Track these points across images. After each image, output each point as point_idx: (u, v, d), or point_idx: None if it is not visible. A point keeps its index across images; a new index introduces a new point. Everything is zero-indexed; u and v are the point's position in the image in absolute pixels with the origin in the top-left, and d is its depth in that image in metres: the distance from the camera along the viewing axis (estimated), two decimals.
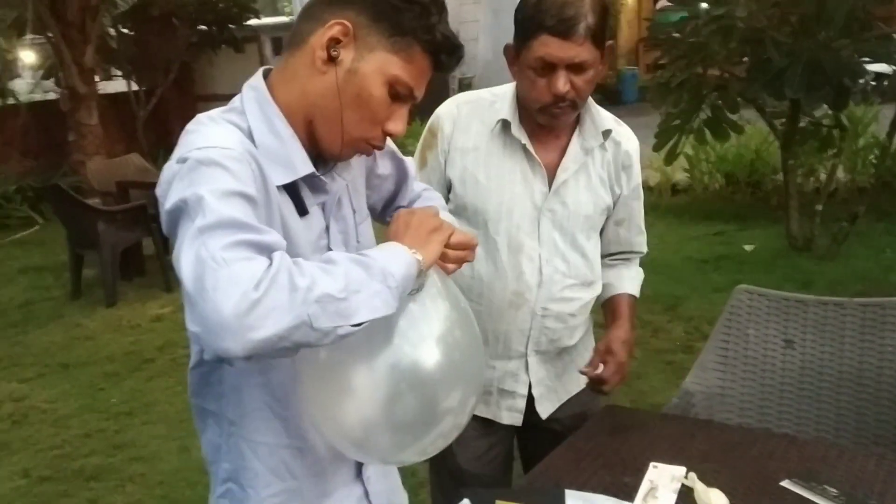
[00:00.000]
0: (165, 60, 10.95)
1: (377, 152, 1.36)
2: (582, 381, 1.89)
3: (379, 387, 1.14)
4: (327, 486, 1.32)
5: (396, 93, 1.17)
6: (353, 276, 1.03)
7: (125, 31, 11.47)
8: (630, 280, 1.99)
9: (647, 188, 8.02)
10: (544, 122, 1.73)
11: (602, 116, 1.80)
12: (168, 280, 5.85)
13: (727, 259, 5.94)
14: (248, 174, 1.09)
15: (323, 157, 1.23)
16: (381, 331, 1.13)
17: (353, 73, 1.14)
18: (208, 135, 1.11)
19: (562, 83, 1.61)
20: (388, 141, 1.38)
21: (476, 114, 1.80)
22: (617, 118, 1.86)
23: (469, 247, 1.27)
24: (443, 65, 1.19)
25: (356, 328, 1.02)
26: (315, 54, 1.15)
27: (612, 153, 1.81)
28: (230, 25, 11.47)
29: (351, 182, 1.31)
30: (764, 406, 2.17)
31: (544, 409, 1.91)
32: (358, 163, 1.34)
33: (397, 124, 1.19)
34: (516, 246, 1.77)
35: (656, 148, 6.01)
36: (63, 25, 8.76)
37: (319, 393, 1.19)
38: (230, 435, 1.26)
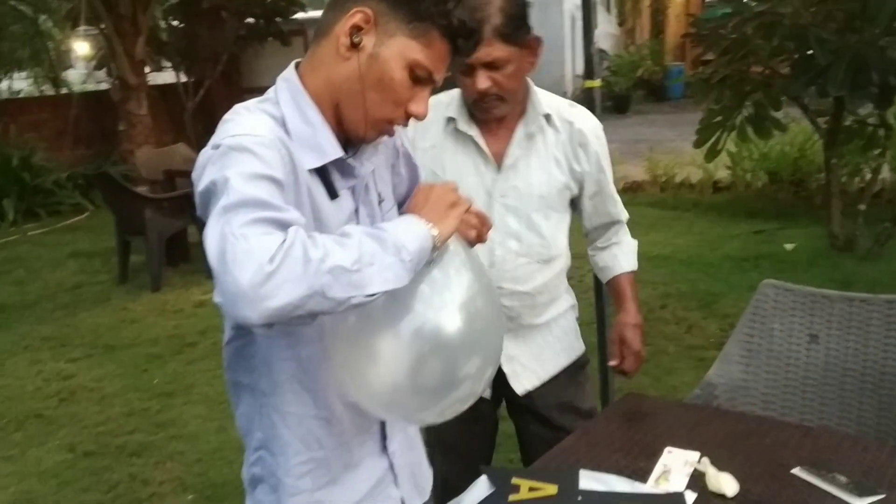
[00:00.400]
0: (214, 53, 11.15)
1: (399, 152, 1.43)
2: (561, 362, 2.02)
3: (403, 351, 1.20)
4: (353, 457, 1.38)
5: (417, 76, 1.23)
6: (366, 249, 1.09)
7: (175, 23, 11.70)
8: (624, 256, 2.08)
9: (689, 185, 8.03)
10: (481, 116, 1.87)
11: (542, 103, 1.91)
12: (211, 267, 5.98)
13: (767, 258, 5.89)
14: (277, 159, 1.16)
15: (350, 140, 1.30)
16: (406, 298, 1.18)
17: (374, 57, 1.21)
18: (242, 123, 1.19)
19: (480, 81, 1.75)
20: (407, 145, 1.45)
21: (434, 115, 1.93)
22: (572, 102, 1.99)
23: (485, 224, 1.32)
24: (460, 49, 1.25)
25: (370, 298, 1.08)
26: (339, 42, 1.21)
27: (566, 133, 1.93)
28: (277, 19, 11.64)
29: (377, 169, 1.37)
30: (787, 400, 2.18)
31: (520, 386, 2.01)
32: (384, 152, 1.40)
33: (419, 106, 1.26)
34: None
35: (697, 144, 5.98)
36: (115, 17, 9.00)
37: (348, 356, 1.24)
38: (262, 405, 1.33)
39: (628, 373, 1.99)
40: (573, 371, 2.07)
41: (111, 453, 3.55)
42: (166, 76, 12.03)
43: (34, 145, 9.52)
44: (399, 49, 1.21)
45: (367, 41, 1.21)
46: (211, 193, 1.11)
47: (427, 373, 1.21)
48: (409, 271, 1.12)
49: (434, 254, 1.19)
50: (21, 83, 14.12)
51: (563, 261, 2.03)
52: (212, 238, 1.06)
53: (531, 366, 2.01)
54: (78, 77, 14.32)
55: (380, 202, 1.38)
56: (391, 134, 1.31)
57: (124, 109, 9.40)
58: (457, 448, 2.01)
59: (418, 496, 1.50)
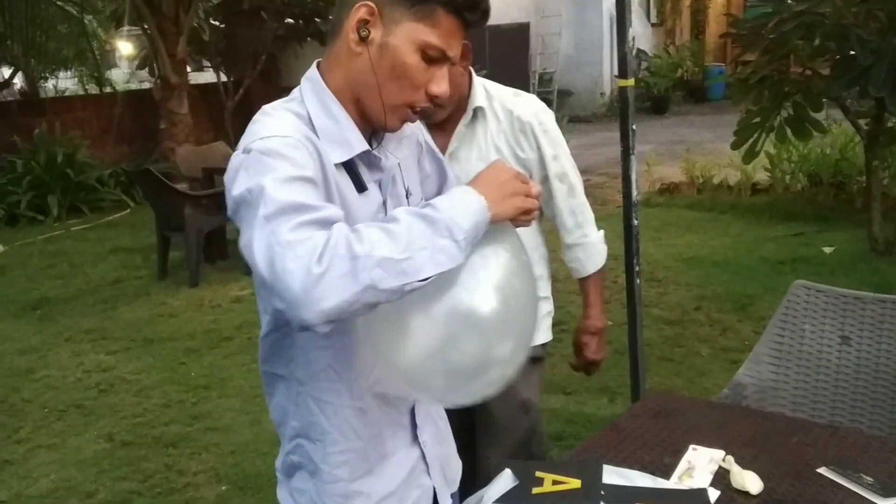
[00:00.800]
0: (253, 52, 11.31)
1: (423, 147, 1.45)
2: None
3: (436, 331, 1.19)
4: (386, 448, 1.40)
5: (430, 57, 1.24)
6: (416, 234, 1.10)
7: (216, 23, 11.88)
8: (589, 259, 2.13)
9: (727, 187, 7.95)
10: (423, 121, 1.96)
11: (477, 97, 1.98)
12: (248, 264, 6.05)
13: (805, 261, 5.82)
14: (307, 158, 1.19)
15: (376, 132, 1.32)
16: (440, 278, 1.15)
17: (384, 47, 1.23)
18: (269, 124, 1.23)
19: None
20: (430, 141, 1.47)
21: None
22: (517, 91, 2.06)
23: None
24: (470, 22, 1.26)
25: (424, 283, 1.09)
26: (348, 38, 1.25)
27: (506, 122, 2.00)
28: (316, 19, 11.76)
29: (403, 161, 1.40)
30: (817, 401, 2.17)
31: None
32: (409, 146, 1.43)
33: (439, 85, 1.27)
34: None
35: (735, 146, 5.92)
36: (158, 18, 9.18)
37: (379, 335, 1.24)
38: (299, 393, 1.36)
39: (589, 373, 2.20)
40: None
41: (148, 444, 3.63)
42: (207, 76, 12.23)
43: (78, 143, 9.72)
44: (406, 34, 1.22)
45: (375, 33, 1.23)
46: (245, 201, 1.14)
47: (459, 354, 1.19)
48: (463, 250, 1.12)
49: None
50: (66, 82, 14.44)
51: None
52: (258, 250, 1.09)
53: None
54: (121, 76, 14.62)
55: (407, 195, 1.40)
56: (413, 120, 1.33)
57: (166, 108, 9.57)
58: None
59: (448, 487, 1.52)
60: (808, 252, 6.03)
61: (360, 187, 1.30)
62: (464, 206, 1.14)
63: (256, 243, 1.09)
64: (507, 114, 2.00)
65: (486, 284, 1.19)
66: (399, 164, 1.38)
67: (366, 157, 1.30)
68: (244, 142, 1.21)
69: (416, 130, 1.47)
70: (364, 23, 1.23)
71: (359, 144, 1.28)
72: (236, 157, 1.20)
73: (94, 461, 3.51)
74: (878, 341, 2.14)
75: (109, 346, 4.92)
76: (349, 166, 1.29)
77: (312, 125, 1.26)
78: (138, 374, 4.48)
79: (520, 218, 1.24)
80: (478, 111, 1.99)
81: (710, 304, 5.05)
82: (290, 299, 1.05)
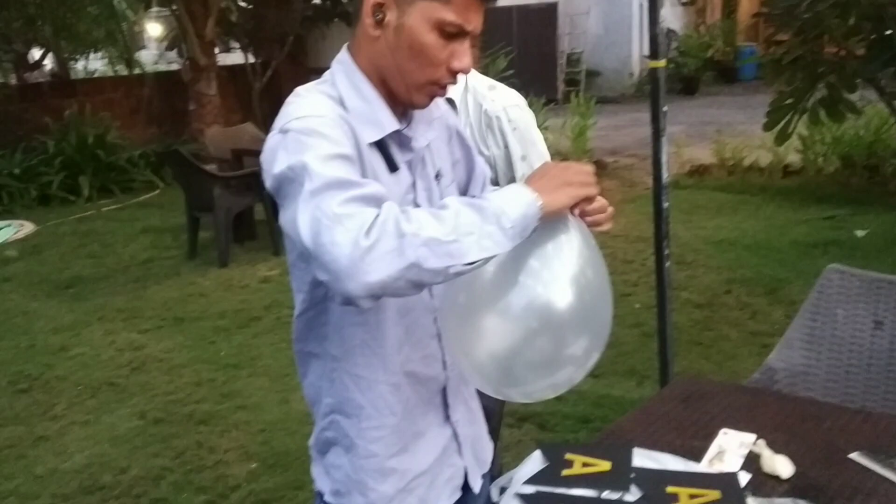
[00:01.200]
0: (281, 34, 11.31)
1: (452, 131, 1.45)
2: None
3: (512, 325, 1.19)
4: (418, 425, 1.41)
5: (448, 33, 1.24)
6: (463, 220, 1.11)
7: (244, 4, 11.90)
8: None
9: (758, 169, 7.86)
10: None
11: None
12: (276, 244, 6.11)
13: (837, 244, 5.75)
14: (342, 135, 1.21)
15: (405, 111, 1.33)
16: (514, 265, 1.18)
17: (400, 29, 1.24)
18: (304, 105, 1.24)
19: None
20: (460, 125, 1.47)
21: None
22: (494, 83, 1.97)
23: (604, 212, 1.29)
24: None
25: (470, 267, 1.11)
26: (366, 22, 1.25)
27: (474, 117, 1.93)
28: (343, 0, 11.73)
29: (433, 143, 1.40)
30: (849, 386, 2.15)
31: None
32: (439, 129, 1.43)
33: (461, 60, 1.27)
34: None
35: (767, 127, 5.83)
36: None
37: (457, 329, 1.25)
38: (333, 370, 1.37)
39: None
40: None
41: (179, 421, 3.69)
42: (235, 57, 12.25)
43: (109, 124, 9.81)
44: (421, 14, 1.23)
45: (391, 15, 1.24)
46: (288, 179, 1.16)
47: (533, 349, 1.19)
48: (511, 238, 1.13)
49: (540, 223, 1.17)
50: (96, 63, 14.58)
51: None
52: (303, 223, 1.11)
53: None
54: (150, 58, 14.71)
55: (437, 177, 1.40)
56: (441, 95, 1.33)
57: (194, 89, 9.62)
58: None
59: (479, 468, 1.53)
60: (840, 235, 5.96)
61: (392, 167, 1.31)
62: (512, 197, 1.16)
63: (301, 217, 1.11)
64: (476, 108, 1.94)
65: (560, 276, 1.19)
66: (429, 145, 1.39)
67: (397, 136, 1.31)
68: (279, 123, 1.22)
69: (446, 113, 1.47)
70: (378, 7, 1.24)
71: (390, 124, 1.29)
72: (273, 138, 1.21)
73: (126, 438, 3.57)
74: None
75: (141, 325, 4.99)
76: (381, 146, 1.30)
77: (344, 106, 1.27)
78: (169, 352, 4.54)
79: (581, 206, 1.23)
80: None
81: (740, 287, 5.01)
82: (336, 270, 1.06)
